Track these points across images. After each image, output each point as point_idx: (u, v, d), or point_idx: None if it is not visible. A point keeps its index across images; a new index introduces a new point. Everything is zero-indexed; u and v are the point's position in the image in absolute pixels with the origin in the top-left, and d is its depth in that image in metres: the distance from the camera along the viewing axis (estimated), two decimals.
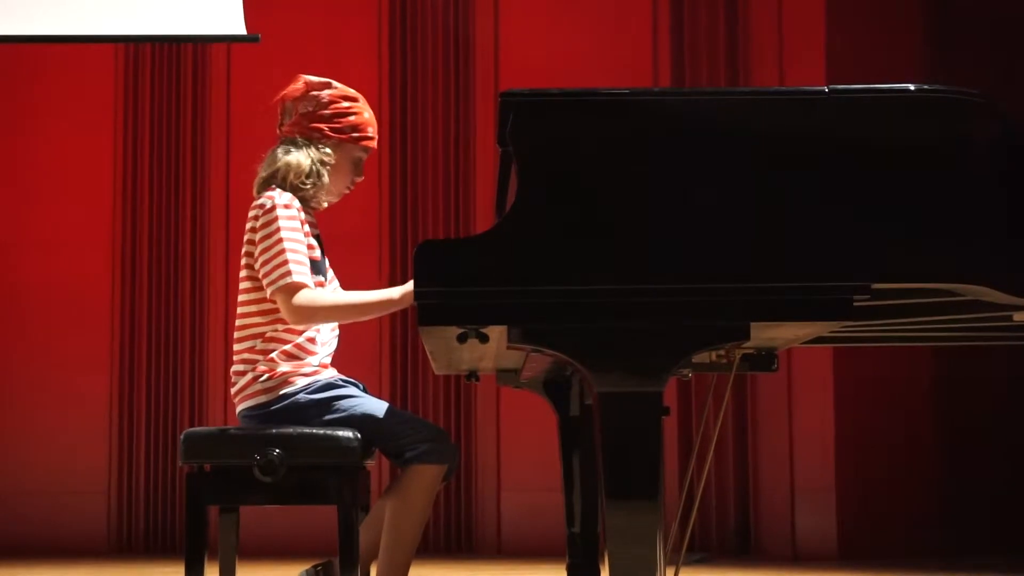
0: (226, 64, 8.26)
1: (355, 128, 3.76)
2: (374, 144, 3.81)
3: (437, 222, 8.10)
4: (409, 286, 3.54)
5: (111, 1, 6.03)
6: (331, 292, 3.70)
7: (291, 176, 3.69)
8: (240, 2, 6.12)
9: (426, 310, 2.83)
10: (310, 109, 3.75)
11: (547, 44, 8.00)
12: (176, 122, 8.35)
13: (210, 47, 8.24)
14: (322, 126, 3.74)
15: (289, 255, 3.58)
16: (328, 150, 3.74)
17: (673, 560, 3.66)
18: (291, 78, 3.84)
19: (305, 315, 3.58)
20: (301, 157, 3.71)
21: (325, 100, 3.76)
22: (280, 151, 3.75)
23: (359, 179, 3.83)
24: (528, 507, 7.77)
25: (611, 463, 2.81)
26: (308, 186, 3.70)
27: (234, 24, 6.16)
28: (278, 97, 3.83)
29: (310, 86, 3.78)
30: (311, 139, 3.74)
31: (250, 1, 6.15)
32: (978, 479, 7.47)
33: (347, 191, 3.84)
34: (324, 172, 3.72)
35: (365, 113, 3.79)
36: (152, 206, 8.30)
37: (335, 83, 3.80)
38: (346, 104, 3.77)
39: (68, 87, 8.36)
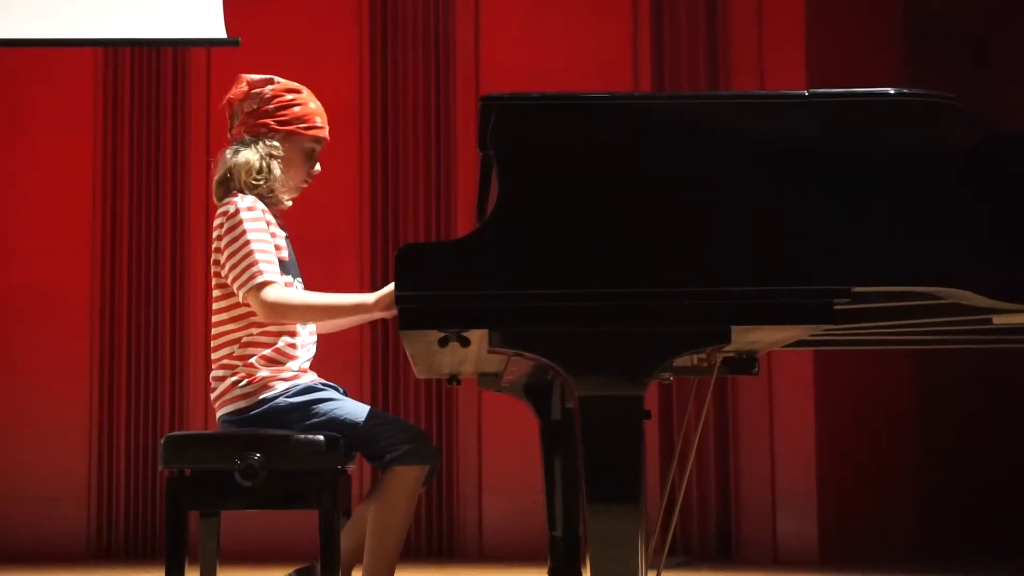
0: (206, 68, 8.24)
1: (301, 119, 3.76)
2: (323, 133, 3.81)
3: (418, 226, 8.10)
4: (383, 292, 3.55)
5: (90, 5, 6.01)
6: (303, 292, 3.69)
7: (243, 175, 3.70)
8: (220, 6, 6.11)
9: (407, 314, 2.82)
10: (255, 107, 3.76)
11: (528, 47, 8.00)
12: (156, 126, 8.34)
13: (190, 51, 8.23)
14: (267, 120, 3.74)
15: (258, 255, 3.58)
16: (275, 143, 3.74)
17: (654, 563, 3.66)
18: (266, 81, 3.84)
19: (278, 312, 3.57)
20: (249, 154, 3.71)
21: (268, 95, 3.76)
22: (229, 153, 3.76)
23: (315, 171, 3.83)
24: (510, 510, 7.77)
25: (592, 467, 2.81)
26: (261, 182, 3.70)
27: (214, 28, 6.15)
28: (224, 101, 3.83)
29: (252, 84, 3.79)
30: (258, 135, 3.74)
31: (230, 5, 6.13)
32: (959, 483, 7.49)
33: (305, 184, 3.83)
34: (275, 165, 3.72)
35: (310, 104, 3.79)
36: (132, 211, 8.28)
37: (277, 78, 3.80)
38: (289, 96, 3.77)
39: (48, 91, 8.34)
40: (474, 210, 3.97)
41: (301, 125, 3.76)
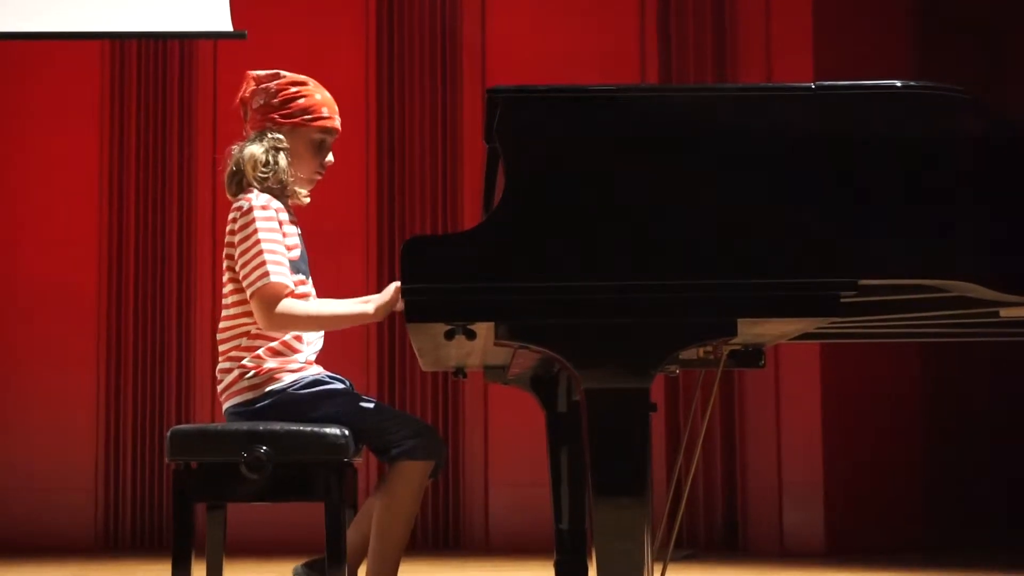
0: (213, 61, 8.25)
1: (306, 110, 3.76)
2: (330, 124, 3.80)
3: (424, 219, 8.10)
4: (383, 299, 3.57)
5: None
6: (307, 303, 3.68)
7: (249, 169, 3.71)
8: None
9: (413, 306, 2.83)
10: (261, 102, 3.78)
11: (534, 40, 8.01)
12: (163, 119, 8.34)
13: (197, 44, 8.23)
14: (273, 115, 3.76)
15: (267, 256, 3.58)
16: (280, 136, 3.74)
17: (661, 556, 3.66)
18: (272, 77, 3.84)
19: (280, 323, 3.59)
20: (254, 148, 3.73)
21: (273, 90, 3.77)
22: (236, 149, 3.77)
23: (328, 162, 3.83)
24: (516, 503, 7.77)
25: (598, 459, 2.81)
26: (268, 174, 3.71)
27: (221, 21, 6.16)
28: (236, 101, 3.85)
29: (259, 80, 3.81)
30: (264, 130, 3.75)
31: None
32: (965, 475, 7.49)
33: (318, 176, 3.83)
34: (280, 157, 3.72)
35: (316, 95, 3.79)
36: (139, 204, 8.29)
37: (283, 72, 3.81)
38: (294, 89, 3.78)
39: (54, 84, 8.34)
40: (481, 203, 3.97)
41: (306, 117, 3.77)
